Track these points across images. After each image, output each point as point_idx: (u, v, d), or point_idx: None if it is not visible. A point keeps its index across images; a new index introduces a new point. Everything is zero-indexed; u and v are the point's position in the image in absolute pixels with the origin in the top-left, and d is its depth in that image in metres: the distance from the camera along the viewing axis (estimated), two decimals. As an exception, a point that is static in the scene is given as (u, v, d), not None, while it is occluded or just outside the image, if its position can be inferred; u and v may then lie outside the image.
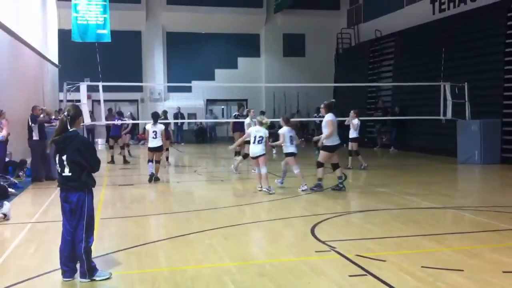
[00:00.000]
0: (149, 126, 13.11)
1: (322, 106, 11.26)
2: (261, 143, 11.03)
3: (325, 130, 10.88)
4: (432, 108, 17.81)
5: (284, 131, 11.35)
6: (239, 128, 16.98)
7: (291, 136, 11.31)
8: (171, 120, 21.89)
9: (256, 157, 11.10)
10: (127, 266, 5.97)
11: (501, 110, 16.70)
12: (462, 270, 5.55)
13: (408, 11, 23.98)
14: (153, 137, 12.98)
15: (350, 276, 5.43)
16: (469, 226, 8.05)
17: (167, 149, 16.83)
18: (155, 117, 13.28)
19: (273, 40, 30.80)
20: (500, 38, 17.38)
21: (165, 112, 18.36)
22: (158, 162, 13.26)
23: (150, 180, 12.83)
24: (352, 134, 14.98)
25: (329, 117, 10.86)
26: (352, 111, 15.06)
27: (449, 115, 17.09)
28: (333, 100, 12.10)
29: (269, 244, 6.88)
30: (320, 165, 11.04)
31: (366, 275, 5.47)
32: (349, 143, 15.22)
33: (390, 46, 24.78)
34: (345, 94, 26.34)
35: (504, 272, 5.52)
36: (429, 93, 18.73)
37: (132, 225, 8.23)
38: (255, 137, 11.05)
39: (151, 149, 13.07)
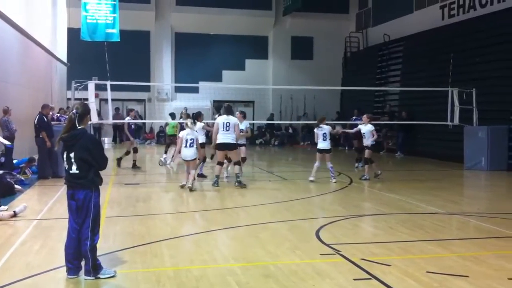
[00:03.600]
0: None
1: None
2: (192, 146, 11.68)
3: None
4: (440, 113, 17.78)
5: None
6: None
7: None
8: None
9: (188, 161, 11.73)
10: (132, 265, 5.98)
11: (508, 117, 16.62)
12: (467, 276, 5.53)
13: (417, 16, 23.95)
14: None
15: (354, 279, 5.43)
16: (474, 232, 8.02)
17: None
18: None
19: (281, 42, 30.80)
20: (508, 45, 17.34)
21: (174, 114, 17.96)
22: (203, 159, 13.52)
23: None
24: (365, 141, 13.65)
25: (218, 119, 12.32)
26: (365, 115, 14.11)
27: (456, 120, 17.05)
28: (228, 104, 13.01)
29: (274, 246, 6.86)
30: (218, 163, 12.21)
31: (370, 279, 5.46)
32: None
33: (398, 51, 24.76)
34: (352, 98, 26.35)
35: (509, 279, 5.49)
36: (436, 98, 18.69)
37: (138, 224, 8.24)
38: (186, 140, 11.65)
39: None
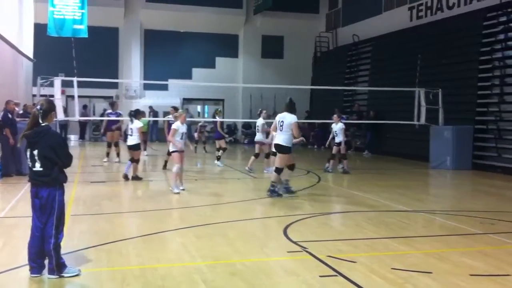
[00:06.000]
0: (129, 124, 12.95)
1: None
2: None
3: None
4: (407, 113, 18.04)
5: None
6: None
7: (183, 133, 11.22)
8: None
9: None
10: (96, 263, 5.90)
11: (473, 117, 16.99)
12: (431, 273, 5.63)
13: (386, 17, 24.24)
14: (130, 134, 12.86)
15: (320, 276, 5.46)
16: (439, 230, 8.16)
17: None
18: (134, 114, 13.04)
19: (251, 41, 30.81)
20: (475, 47, 17.70)
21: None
22: (136, 161, 12.96)
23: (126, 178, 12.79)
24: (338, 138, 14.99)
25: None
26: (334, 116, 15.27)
27: (422, 120, 17.33)
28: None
29: (241, 243, 6.87)
30: (277, 170, 10.65)
31: (336, 275, 5.51)
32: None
33: (367, 51, 25.02)
34: (322, 97, 26.55)
35: (471, 275, 5.61)
36: (404, 98, 18.96)
37: (103, 222, 8.14)
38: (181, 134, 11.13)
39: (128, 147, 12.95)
